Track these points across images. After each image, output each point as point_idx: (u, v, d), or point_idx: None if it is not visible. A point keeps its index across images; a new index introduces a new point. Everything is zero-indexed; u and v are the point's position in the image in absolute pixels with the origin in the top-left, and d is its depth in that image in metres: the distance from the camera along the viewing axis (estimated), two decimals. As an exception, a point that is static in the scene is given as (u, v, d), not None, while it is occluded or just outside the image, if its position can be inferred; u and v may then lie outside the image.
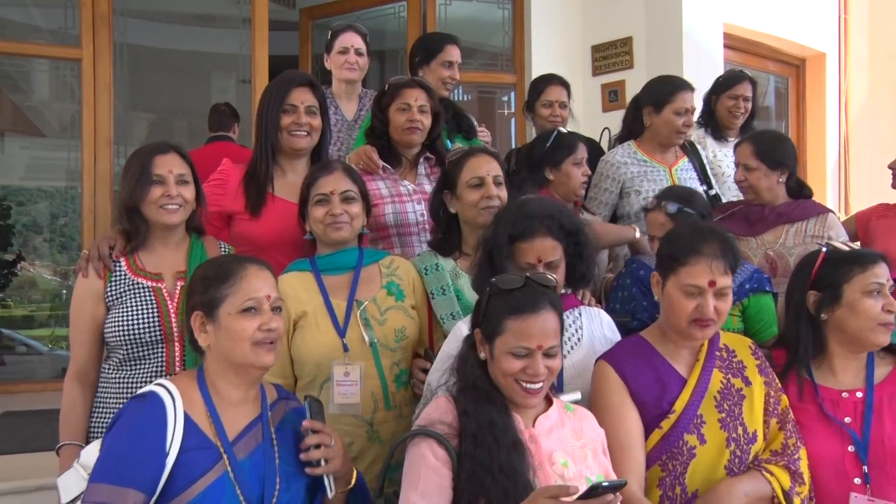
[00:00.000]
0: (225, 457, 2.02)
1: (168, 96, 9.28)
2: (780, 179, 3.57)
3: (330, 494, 2.12)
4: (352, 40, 4.31)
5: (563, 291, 2.67)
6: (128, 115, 7.89)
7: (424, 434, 2.08)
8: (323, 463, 2.11)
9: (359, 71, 4.36)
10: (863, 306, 2.42)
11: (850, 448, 2.38)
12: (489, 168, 2.94)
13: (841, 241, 2.85)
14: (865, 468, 2.35)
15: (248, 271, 2.13)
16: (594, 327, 2.70)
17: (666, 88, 4.04)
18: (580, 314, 2.71)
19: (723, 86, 4.53)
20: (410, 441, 2.11)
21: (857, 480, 2.35)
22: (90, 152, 6.18)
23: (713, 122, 4.51)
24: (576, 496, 1.82)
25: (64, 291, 7.54)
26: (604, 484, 1.79)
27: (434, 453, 2.05)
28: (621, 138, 4.27)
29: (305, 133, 3.24)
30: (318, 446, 2.11)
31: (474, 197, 2.90)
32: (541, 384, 2.10)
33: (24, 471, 4.04)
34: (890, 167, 3.87)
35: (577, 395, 2.41)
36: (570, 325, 2.66)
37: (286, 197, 3.20)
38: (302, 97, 3.22)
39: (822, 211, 3.61)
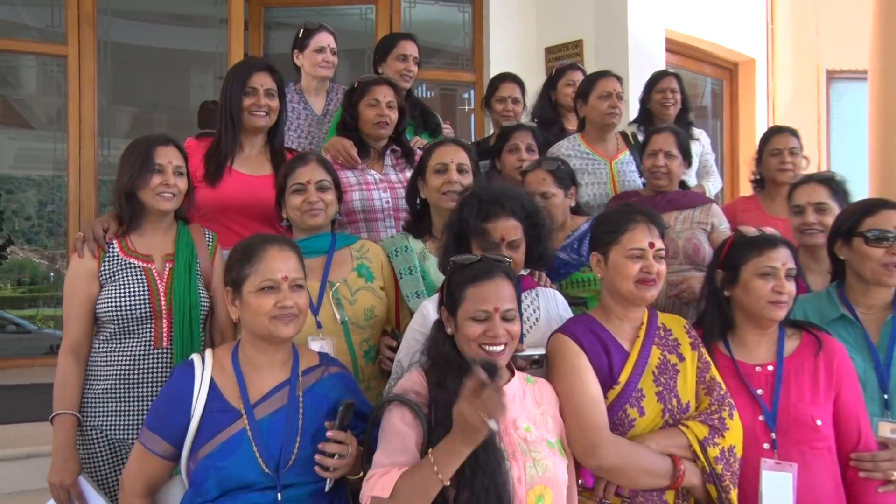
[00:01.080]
0: (244, 416, 2.13)
1: (149, 91, 9.17)
2: (686, 170, 3.68)
3: (326, 488, 2.17)
4: (328, 40, 4.26)
5: (522, 273, 2.68)
6: (111, 108, 7.81)
7: (399, 401, 2.09)
8: (332, 469, 2.13)
9: (333, 69, 4.32)
10: (753, 286, 2.45)
11: (761, 417, 2.40)
12: (454, 156, 2.94)
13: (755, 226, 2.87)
14: (773, 435, 2.38)
15: (268, 253, 2.22)
16: (550, 307, 2.69)
17: (588, 80, 4.12)
18: (537, 295, 2.70)
19: (650, 84, 4.56)
20: (385, 407, 2.12)
21: (766, 446, 2.38)
22: (76, 143, 6.19)
23: (648, 121, 4.50)
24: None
25: (51, 274, 7.46)
26: (483, 363, 1.88)
27: (403, 419, 2.06)
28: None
29: (264, 113, 3.27)
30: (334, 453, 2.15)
31: (437, 182, 2.91)
32: (502, 346, 2.11)
33: (15, 440, 4.07)
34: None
35: (542, 350, 2.43)
36: (529, 306, 2.66)
37: (241, 169, 3.28)
38: (262, 80, 3.25)
39: (707, 201, 3.68)
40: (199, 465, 2.08)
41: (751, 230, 2.58)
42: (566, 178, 3.25)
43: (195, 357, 2.22)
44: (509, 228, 2.54)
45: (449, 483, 1.93)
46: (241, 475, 2.07)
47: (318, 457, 2.12)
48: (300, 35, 4.31)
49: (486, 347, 2.10)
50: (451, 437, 1.92)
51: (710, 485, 2.29)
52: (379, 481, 1.96)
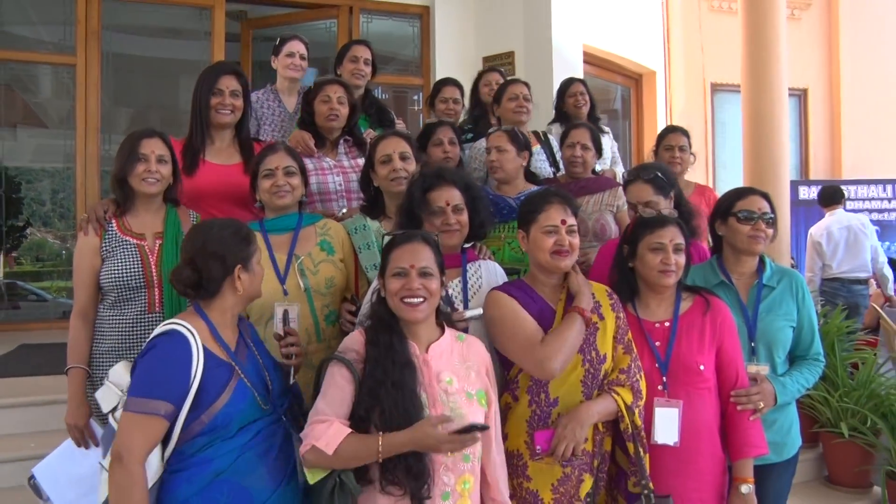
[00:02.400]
0: (236, 368, 2.09)
1: (145, 95, 9.01)
2: (597, 160, 3.71)
3: (292, 381, 2.31)
4: (297, 47, 4.20)
5: (466, 246, 2.68)
6: (112, 109, 7.69)
7: (336, 359, 2.09)
8: (293, 358, 2.32)
9: (302, 71, 4.25)
10: (646, 259, 2.49)
11: (656, 364, 2.46)
12: (395, 146, 2.91)
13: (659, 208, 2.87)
14: (665, 378, 2.44)
15: (254, 232, 2.28)
16: (491, 276, 2.66)
17: (500, 87, 4.14)
18: (480, 266, 2.67)
19: (561, 91, 4.56)
20: (327, 364, 2.11)
21: (659, 387, 2.44)
22: (82, 140, 6.17)
23: (565, 121, 4.44)
24: (454, 430, 1.90)
25: (63, 252, 7.33)
26: (477, 425, 1.87)
27: (341, 374, 2.06)
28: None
29: (229, 111, 3.20)
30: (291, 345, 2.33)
31: (385, 171, 2.89)
32: (420, 299, 2.10)
33: (37, 389, 4.15)
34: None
35: (479, 311, 2.42)
36: (473, 275, 2.63)
37: (214, 160, 3.21)
38: (228, 83, 3.18)
39: (614, 185, 3.65)
40: (219, 415, 2.01)
41: (649, 212, 2.63)
42: (520, 141, 3.30)
43: (179, 328, 2.05)
44: (453, 195, 2.55)
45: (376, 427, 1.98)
46: (251, 413, 2.07)
47: (283, 350, 2.32)
48: (276, 43, 4.26)
49: (406, 300, 2.10)
50: (405, 441, 1.94)
51: (630, 443, 2.34)
52: (324, 435, 1.94)
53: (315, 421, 1.99)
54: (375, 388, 2.01)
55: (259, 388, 2.12)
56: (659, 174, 3.00)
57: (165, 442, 2.00)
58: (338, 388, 2.04)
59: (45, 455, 2.57)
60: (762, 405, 2.52)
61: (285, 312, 2.41)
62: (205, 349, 2.05)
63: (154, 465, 1.99)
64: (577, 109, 4.46)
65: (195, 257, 2.13)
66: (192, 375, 1.99)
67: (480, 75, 4.69)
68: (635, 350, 2.44)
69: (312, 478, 2.01)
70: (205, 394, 2.00)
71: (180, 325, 2.06)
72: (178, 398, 1.97)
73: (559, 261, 2.39)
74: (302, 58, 4.21)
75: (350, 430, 1.97)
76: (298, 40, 4.25)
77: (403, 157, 2.90)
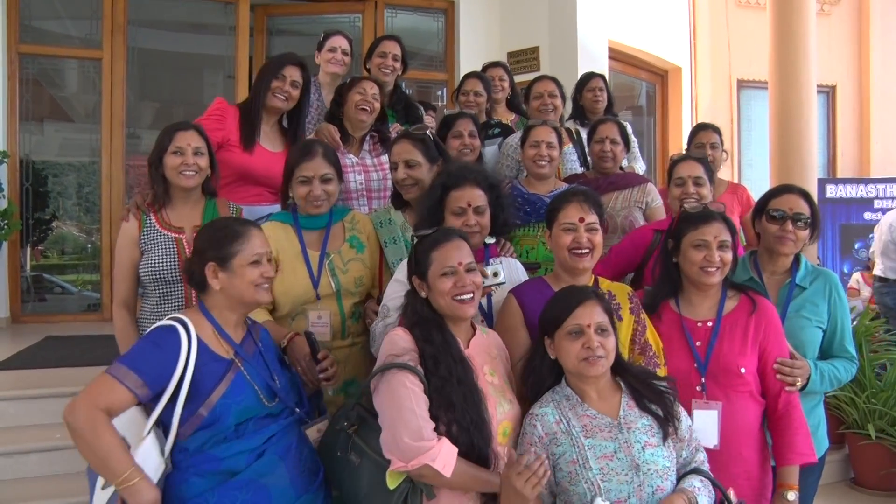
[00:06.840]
0: (238, 361, 2.08)
1: (169, 89, 9.10)
2: (625, 155, 3.67)
3: (330, 392, 2.41)
4: (339, 42, 4.18)
5: (490, 242, 2.66)
6: (137, 104, 7.76)
7: (400, 366, 1.99)
8: (331, 380, 2.35)
9: (344, 66, 4.21)
10: (689, 255, 2.45)
11: (695, 365, 2.42)
12: (401, 153, 2.88)
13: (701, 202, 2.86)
14: (703, 380, 2.40)
15: (251, 233, 2.16)
16: (512, 273, 2.65)
17: (529, 89, 4.19)
18: (501, 262, 2.64)
19: (580, 84, 4.48)
20: (387, 372, 2.00)
21: (698, 388, 2.40)
22: (107, 134, 6.25)
23: (582, 116, 4.41)
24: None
25: (89, 245, 7.39)
26: None
27: (412, 381, 1.98)
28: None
29: (284, 98, 3.32)
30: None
31: (393, 177, 2.93)
32: (471, 295, 2.09)
33: (62, 380, 4.16)
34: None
35: (500, 268, 2.41)
36: None
37: (263, 143, 3.34)
38: (291, 72, 3.31)
39: (643, 181, 3.59)
40: (216, 406, 1.99)
41: (696, 207, 2.57)
42: (560, 137, 3.35)
43: (171, 321, 2.05)
44: (475, 196, 2.53)
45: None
46: (250, 408, 2.05)
47: (322, 375, 2.32)
48: (321, 38, 4.26)
49: (458, 298, 2.08)
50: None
51: None
52: (440, 454, 1.89)
53: (417, 435, 1.92)
54: (443, 386, 1.98)
55: (261, 382, 2.11)
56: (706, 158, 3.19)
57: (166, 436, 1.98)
58: (418, 395, 1.97)
59: (70, 446, 2.54)
60: (800, 382, 2.48)
61: (310, 335, 2.38)
62: (200, 343, 2.03)
63: (154, 460, 1.94)
64: (594, 104, 4.38)
65: (195, 252, 2.18)
66: (178, 365, 1.96)
67: (484, 69, 4.65)
68: (652, 347, 2.42)
69: (392, 483, 1.97)
70: (201, 385, 1.99)
71: (178, 318, 2.06)
72: (154, 379, 1.95)
73: (577, 260, 2.37)
74: (344, 53, 4.19)
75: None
76: (342, 36, 4.23)
77: (409, 165, 2.86)
